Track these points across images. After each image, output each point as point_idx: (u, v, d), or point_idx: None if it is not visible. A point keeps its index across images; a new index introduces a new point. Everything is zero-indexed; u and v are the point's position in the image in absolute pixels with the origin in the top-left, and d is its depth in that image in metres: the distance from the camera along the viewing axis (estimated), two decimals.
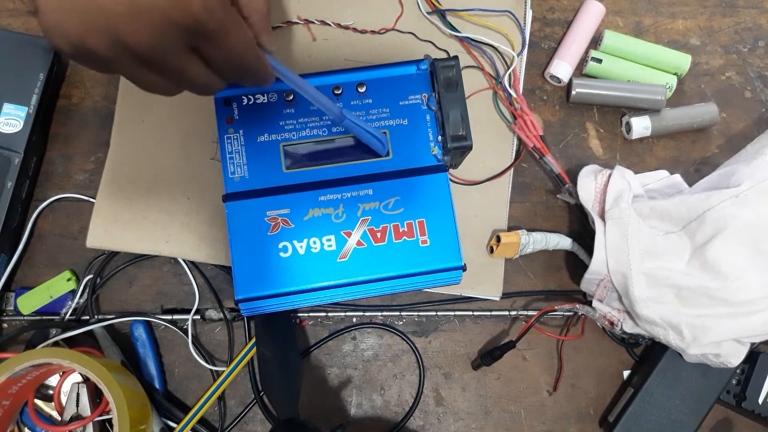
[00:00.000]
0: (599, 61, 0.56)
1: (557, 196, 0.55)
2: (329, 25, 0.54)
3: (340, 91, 0.45)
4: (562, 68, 0.56)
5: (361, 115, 0.45)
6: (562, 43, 0.57)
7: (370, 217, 0.44)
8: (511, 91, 0.53)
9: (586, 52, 0.57)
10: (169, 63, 0.30)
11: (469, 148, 0.44)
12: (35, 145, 0.52)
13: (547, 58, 0.58)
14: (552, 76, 0.57)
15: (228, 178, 0.44)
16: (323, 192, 0.44)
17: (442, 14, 0.54)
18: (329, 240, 0.44)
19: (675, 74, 0.57)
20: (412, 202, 0.44)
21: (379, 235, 0.44)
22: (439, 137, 0.45)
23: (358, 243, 0.44)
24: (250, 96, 0.45)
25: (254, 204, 0.44)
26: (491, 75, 0.54)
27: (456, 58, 0.44)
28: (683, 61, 0.57)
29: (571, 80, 0.56)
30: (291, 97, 0.45)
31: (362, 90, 0.45)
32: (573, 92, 0.56)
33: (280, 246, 0.43)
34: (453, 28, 0.54)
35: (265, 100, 0.45)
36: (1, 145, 0.50)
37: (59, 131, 0.54)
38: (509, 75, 0.54)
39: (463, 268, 0.44)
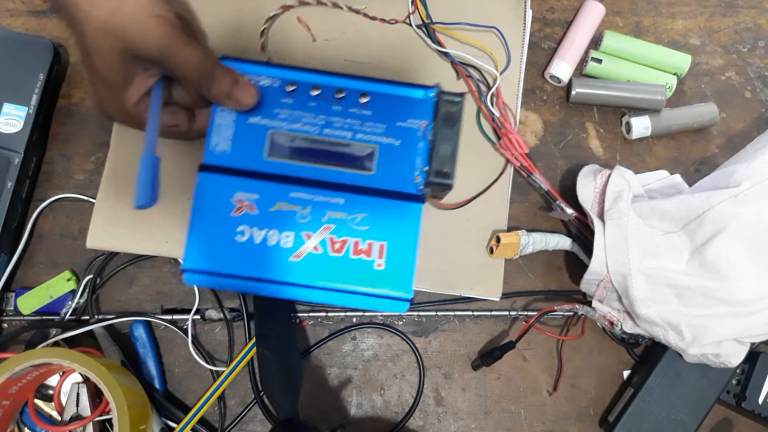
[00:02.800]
0: (599, 61, 0.56)
1: (549, 214, 0.55)
2: (341, 8, 0.53)
3: (342, 95, 0.44)
4: (562, 68, 0.56)
5: (355, 125, 0.44)
6: (562, 43, 0.57)
7: (334, 226, 0.43)
8: (494, 110, 0.53)
9: (586, 52, 0.57)
10: None
11: (449, 187, 0.43)
12: (35, 145, 0.52)
13: (547, 58, 0.58)
14: (552, 76, 0.57)
15: (208, 149, 0.43)
16: (296, 189, 0.43)
17: (427, 29, 0.53)
18: (288, 237, 0.43)
19: (675, 74, 0.57)
20: (379, 223, 0.43)
21: (337, 246, 0.43)
22: (425, 168, 0.44)
23: (315, 248, 0.43)
24: (253, 77, 0.44)
25: (226, 181, 0.43)
26: (476, 93, 0.53)
27: (462, 95, 0.43)
28: (683, 61, 0.57)
29: (571, 80, 0.56)
30: (292, 88, 0.44)
31: (364, 101, 0.44)
32: (573, 92, 0.56)
33: (238, 229, 0.43)
34: (437, 44, 0.53)
35: (267, 84, 0.44)
36: (1, 145, 0.50)
37: (59, 131, 0.54)
38: (491, 94, 0.53)
39: (411, 301, 0.43)
